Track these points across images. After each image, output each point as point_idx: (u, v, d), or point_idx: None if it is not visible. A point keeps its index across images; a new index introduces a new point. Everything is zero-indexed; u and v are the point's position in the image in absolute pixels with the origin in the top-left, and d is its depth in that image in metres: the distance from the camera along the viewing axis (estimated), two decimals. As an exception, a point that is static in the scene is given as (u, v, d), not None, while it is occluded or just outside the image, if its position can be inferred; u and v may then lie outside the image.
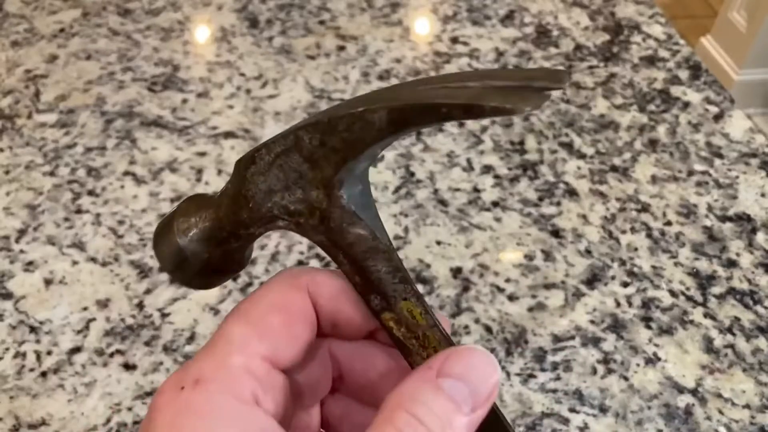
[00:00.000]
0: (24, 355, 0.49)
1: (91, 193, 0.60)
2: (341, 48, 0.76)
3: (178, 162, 0.63)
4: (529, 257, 0.56)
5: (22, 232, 0.57)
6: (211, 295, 0.53)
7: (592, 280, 0.54)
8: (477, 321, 0.51)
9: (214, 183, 0.61)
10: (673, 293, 0.54)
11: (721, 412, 0.47)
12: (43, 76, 0.71)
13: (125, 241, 0.56)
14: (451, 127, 0.67)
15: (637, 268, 0.55)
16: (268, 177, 0.25)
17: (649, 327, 0.52)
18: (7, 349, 0.49)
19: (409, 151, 0.64)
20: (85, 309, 0.52)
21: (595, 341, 0.51)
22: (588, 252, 0.56)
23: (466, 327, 0.51)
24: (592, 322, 0.52)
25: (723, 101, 0.71)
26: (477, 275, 0.54)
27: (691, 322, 0.52)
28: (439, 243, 0.57)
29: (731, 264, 0.56)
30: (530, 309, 0.52)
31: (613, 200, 0.61)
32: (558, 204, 0.60)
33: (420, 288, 0.53)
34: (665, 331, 0.51)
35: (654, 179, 0.63)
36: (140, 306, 0.52)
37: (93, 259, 0.55)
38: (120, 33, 0.77)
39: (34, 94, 0.70)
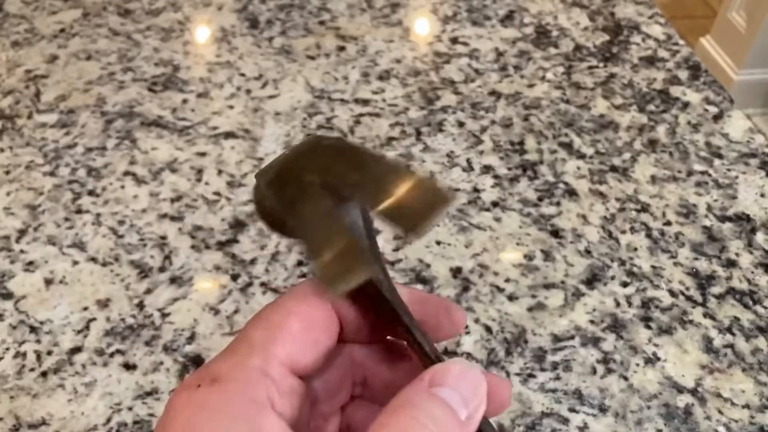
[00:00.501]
0: (24, 354, 0.49)
1: (91, 193, 0.60)
2: (341, 48, 0.76)
3: (178, 162, 0.63)
4: (529, 257, 0.56)
5: (22, 232, 0.57)
6: (212, 295, 0.53)
7: (592, 280, 0.54)
8: (477, 321, 0.51)
9: (215, 183, 0.61)
10: (672, 293, 0.54)
11: (720, 412, 0.47)
12: (43, 77, 0.72)
13: (125, 241, 0.56)
14: (451, 127, 0.67)
15: (636, 268, 0.55)
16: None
17: (648, 327, 0.52)
18: (8, 348, 0.49)
19: (409, 151, 0.64)
20: (85, 309, 0.52)
21: (595, 341, 0.51)
22: (588, 252, 0.56)
23: (466, 327, 0.51)
24: (592, 322, 0.52)
25: (722, 101, 0.71)
26: (477, 275, 0.54)
27: (691, 322, 0.52)
28: (438, 243, 0.57)
29: (731, 264, 0.56)
30: (530, 309, 0.52)
31: (613, 200, 0.61)
32: (558, 204, 0.60)
33: (420, 288, 0.53)
34: (665, 331, 0.51)
35: (653, 179, 0.63)
36: (140, 306, 0.52)
37: (93, 259, 0.55)
38: (120, 33, 0.77)
39: (35, 94, 0.70)
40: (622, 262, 0.56)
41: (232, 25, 0.79)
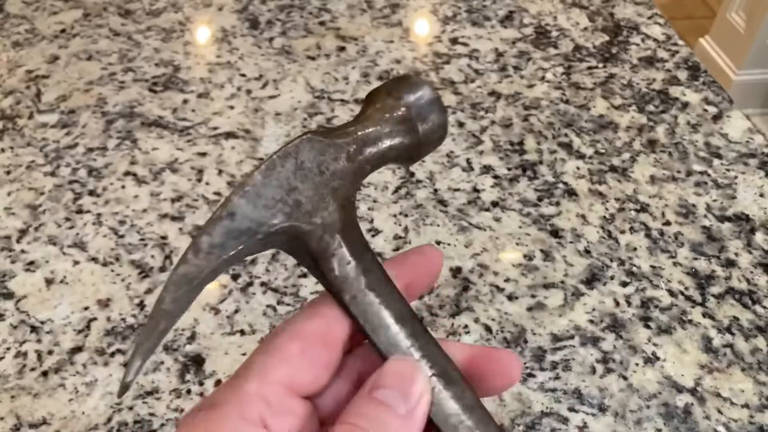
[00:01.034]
0: (25, 354, 0.49)
1: (92, 193, 0.60)
2: (341, 49, 0.76)
3: (178, 162, 0.63)
4: (529, 257, 0.56)
5: (23, 232, 0.57)
6: (212, 295, 0.53)
7: (592, 279, 0.55)
8: (476, 320, 0.52)
9: (215, 183, 0.61)
10: (672, 293, 0.54)
11: (719, 412, 0.47)
12: (44, 77, 0.72)
13: (126, 241, 0.56)
14: (451, 127, 0.67)
15: (636, 267, 0.56)
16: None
17: (648, 326, 0.52)
18: (8, 348, 0.49)
19: (409, 151, 0.65)
20: (86, 308, 0.52)
21: (595, 341, 0.51)
22: (587, 252, 0.57)
23: (466, 327, 0.51)
24: (592, 321, 0.52)
25: (722, 101, 0.71)
26: (476, 275, 0.55)
27: (690, 321, 0.52)
28: (438, 243, 0.57)
29: (730, 264, 0.56)
30: (529, 308, 0.53)
31: (612, 200, 0.61)
32: (557, 204, 0.60)
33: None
34: (664, 330, 0.52)
35: (653, 179, 0.63)
36: (141, 306, 0.52)
37: (94, 259, 0.55)
38: (121, 34, 0.77)
39: (36, 94, 0.70)
40: (622, 262, 0.56)
41: (232, 25, 0.79)
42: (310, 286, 0.53)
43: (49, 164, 0.62)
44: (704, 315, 0.53)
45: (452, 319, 0.52)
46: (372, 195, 0.60)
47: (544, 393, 0.48)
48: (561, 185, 0.62)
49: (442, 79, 0.73)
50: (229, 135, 0.66)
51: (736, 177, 0.63)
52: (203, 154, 0.64)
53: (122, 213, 0.58)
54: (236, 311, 0.52)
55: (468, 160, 0.64)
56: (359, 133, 0.27)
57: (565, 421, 0.46)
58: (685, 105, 0.70)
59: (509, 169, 0.63)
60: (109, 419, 0.46)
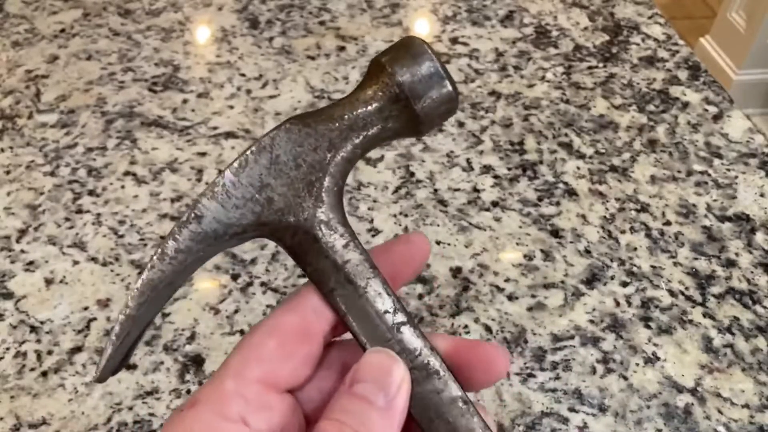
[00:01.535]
0: (25, 354, 0.49)
1: (91, 193, 0.60)
2: (341, 48, 0.76)
3: (178, 162, 0.63)
4: (529, 257, 0.56)
5: (22, 232, 0.57)
6: (212, 294, 0.53)
7: (592, 279, 0.55)
8: (476, 320, 0.52)
9: (215, 183, 0.61)
10: (672, 293, 0.54)
11: (720, 412, 0.47)
12: (43, 77, 0.72)
13: (126, 241, 0.56)
14: (450, 127, 0.67)
15: (636, 267, 0.55)
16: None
17: (648, 327, 0.52)
18: (8, 348, 0.49)
19: (409, 151, 0.65)
20: (85, 309, 0.52)
21: (595, 341, 0.51)
22: (587, 252, 0.57)
23: (466, 327, 0.51)
24: (592, 321, 0.52)
25: (722, 101, 0.71)
26: (476, 275, 0.55)
27: (690, 321, 0.52)
28: (438, 243, 0.57)
29: (730, 264, 0.56)
30: (530, 309, 0.53)
31: (613, 200, 0.61)
32: (557, 204, 0.60)
33: (420, 288, 0.53)
34: (664, 330, 0.51)
35: (653, 179, 0.63)
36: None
37: (94, 259, 0.55)
38: (120, 33, 0.77)
39: (35, 94, 0.70)
40: (622, 262, 0.56)
41: (232, 25, 0.79)
42: (310, 286, 0.53)
43: (49, 164, 0.62)
44: (704, 315, 0.53)
45: (452, 319, 0.52)
46: (372, 195, 0.60)
47: (545, 393, 0.48)
48: (561, 185, 0.62)
49: (442, 78, 0.72)
50: (229, 135, 0.66)
51: (736, 177, 0.63)
52: (203, 154, 0.64)
53: (122, 213, 0.58)
54: (236, 311, 0.52)
55: (468, 160, 0.64)
56: (345, 117, 0.26)
57: (565, 421, 0.46)
58: (686, 105, 0.70)
59: (509, 169, 0.63)
60: (109, 419, 0.46)
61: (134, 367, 0.48)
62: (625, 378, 0.49)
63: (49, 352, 0.49)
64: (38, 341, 0.50)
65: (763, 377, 0.49)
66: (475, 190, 0.61)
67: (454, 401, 0.26)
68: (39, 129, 0.66)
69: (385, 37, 0.78)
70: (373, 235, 0.57)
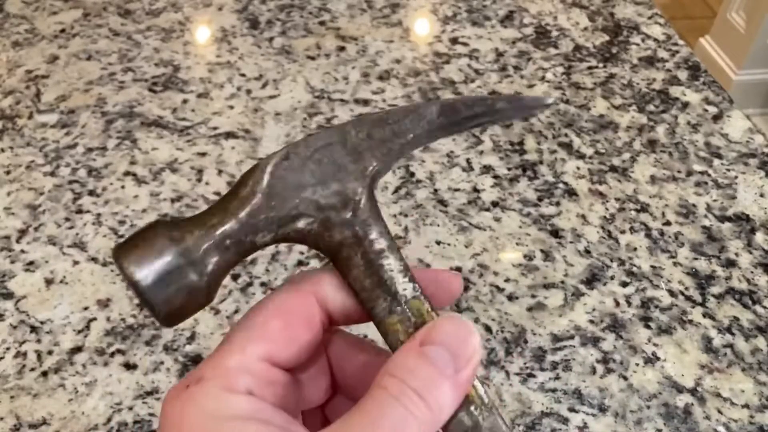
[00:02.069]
0: (25, 354, 0.49)
1: (91, 193, 0.60)
2: (341, 48, 0.76)
3: (178, 162, 0.63)
4: (529, 257, 0.56)
5: (23, 232, 0.57)
6: (212, 294, 0.53)
7: (592, 279, 0.55)
8: (477, 320, 0.52)
9: (215, 183, 0.61)
10: (672, 293, 0.54)
11: (720, 412, 0.47)
12: (43, 77, 0.72)
13: (126, 241, 0.56)
14: (450, 127, 0.67)
15: (636, 267, 0.55)
16: (302, 172, 0.25)
17: (648, 327, 0.52)
18: (8, 348, 0.49)
19: (409, 151, 0.65)
20: (85, 309, 0.52)
21: (595, 341, 0.51)
22: (587, 252, 0.57)
23: (466, 327, 0.51)
24: (592, 321, 0.52)
25: (722, 101, 0.71)
26: (477, 275, 0.55)
27: (690, 321, 0.52)
28: (438, 243, 0.57)
29: (730, 264, 0.56)
30: (530, 309, 0.53)
31: (613, 200, 0.61)
32: (557, 204, 0.60)
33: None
34: (664, 330, 0.52)
35: (653, 179, 0.63)
36: (141, 306, 0.52)
37: (94, 259, 0.55)
38: (121, 33, 0.77)
39: (35, 94, 0.70)
40: (622, 262, 0.56)
41: (232, 25, 0.79)
42: (310, 286, 0.53)
43: (49, 164, 0.62)
44: (704, 315, 0.53)
45: (452, 319, 0.52)
46: (372, 195, 0.60)
47: (545, 393, 0.48)
48: (561, 185, 0.62)
49: (443, 78, 0.73)
50: (229, 135, 0.66)
51: (736, 177, 0.63)
52: (203, 154, 0.64)
53: (122, 213, 0.58)
54: (236, 311, 0.52)
55: (468, 160, 0.64)
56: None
57: (565, 421, 0.46)
58: (686, 105, 0.70)
59: (509, 169, 0.63)
60: (109, 419, 0.46)
61: (134, 367, 0.48)
62: (625, 378, 0.49)
63: (49, 352, 0.49)
64: (38, 341, 0.50)
65: (762, 377, 0.49)
66: (475, 190, 0.61)
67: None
68: (39, 129, 0.66)
69: (385, 37, 0.78)
70: None
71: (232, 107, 0.69)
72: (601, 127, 0.68)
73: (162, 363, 0.49)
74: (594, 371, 0.49)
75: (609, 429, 0.46)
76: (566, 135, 0.67)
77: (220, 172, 0.62)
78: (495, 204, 0.60)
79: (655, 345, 0.51)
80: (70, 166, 0.62)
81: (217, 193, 0.60)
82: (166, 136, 0.65)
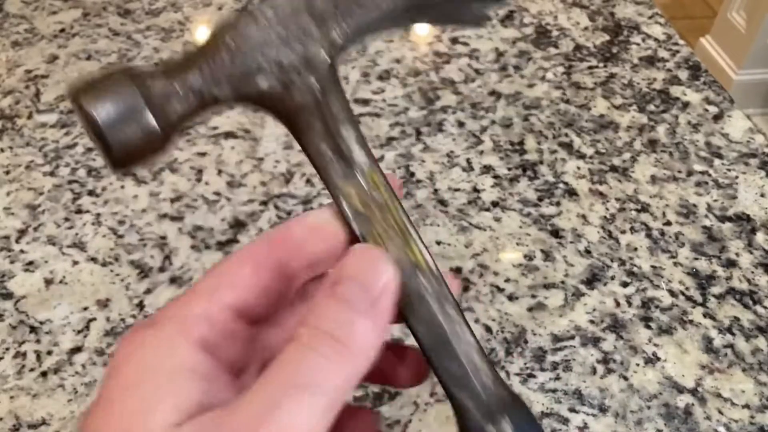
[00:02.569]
0: (24, 354, 0.49)
1: (91, 193, 0.60)
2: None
3: (178, 162, 0.63)
4: (529, 257, 0.56)
5: (22, 232, 0.57)
6: (212, 295, 0.53)
7: (592, 280, 0.54)
8: (477, 321, 0.51)
9: (215, 183, 0.61)
10: (672, 293, 0.54)
11: (720, 412, 0.47)
12: (43, 77, 0.72)
13: (125, 241, 0.56)
14: (450, 127, 0.67)
15: (636, 268, 0.55)
16: (267, 33, 0.25)
17: (648, 327, 0.52)
18: (8, 349, 0.49)
19: (409, 151, 0.64)
20: (85, 309, 0.52)
21: (595, 341, 0.51)
22: (587, 252, 0.56)
23: (466, 327, 0.51)
24: (592, 322, 0.52)
25: (722, 101, 0.71)
26: (477, 275, 0.54)
27: (691, 322, 0.52)
28: (438, 243, 0.57)
29: (731, 264, 0.56)
30: (530, 309, 0.52)
31: (613, 200, 0.61)
32: (557, 204, 0.60)
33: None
34: (665, 330, 0.51)
35: (653, 179, 0.63)
36: (140, 306, 0.52)
37: (93, 259, 0.55)
38: (120, 33, 0.77)
39: (35, 94, 0.70)
40: (622, 262, 0.56)
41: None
42: (309, 287, 0.53)
43: (49, 164, 0.62)
44: (705, 315, 0.52)
45: (452, 320, 0.51)
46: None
47: (545, 393, 0.48)
48: (561, 185, 0.62)
49: (443, 78, 0.72)
50: (229, 135, 0.66)
51: (736, 177, 0.63)
52: (203, 154, 0.64)
53: (121, 213, 0.58)
54: (236, 311, 0.52)
55: (468, 160, 0.64)
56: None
57: (565, 421, 0.46)
58: (686, 105, 0.70)
59: (509, 169, 0.63)
60: (109, 420, 0.46)
61: (134, 367, 0.48)
62: (626, 378, 0.49)
63: (49, 353, 0.49)
64: (38, 341, 0.50)
65: (763, 377, 0.49)
66: (475, 190, 0.61)
67: (442, 301, 0.25)
68: (39, 129, 0.66)
69: (384, 36, 0.78)
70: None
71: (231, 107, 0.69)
72: (602, 127, 0.68)
73: (161, 363, 0.49)
74: (594, 371, 0.49)
75: (609, 429, 0.46)
76: (566, 135, 0.67)
77: (219, 172, 0.62)
78: (495, 204, 0.60)
79: (656, 345, 0.51)
80: (70, 166, 0.62)
81: (217, 193, 0.60)
82: (165, 136, 0.65)
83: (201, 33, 0.78)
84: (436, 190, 0.61)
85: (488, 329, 0.51)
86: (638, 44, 0.78)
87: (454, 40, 0.78)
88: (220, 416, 0.20)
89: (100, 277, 0.54)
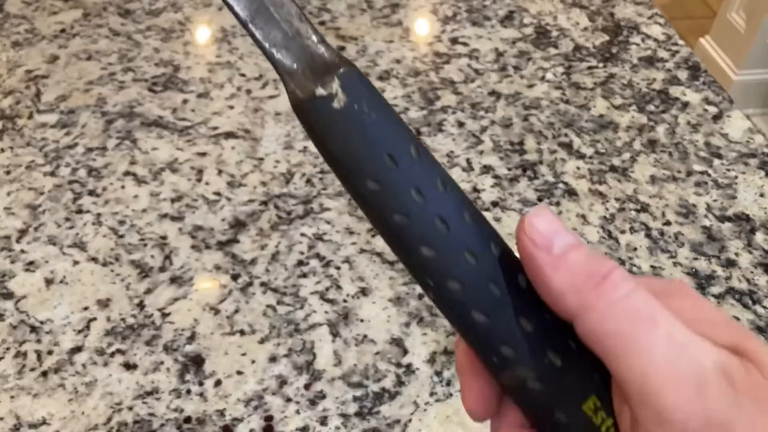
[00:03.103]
0: (25, 354, 0.49)
1: (91, 193, 0.60)
2: (341, 48, 0.76)
3: (178, 162, 0.63)
4: (529, 257, 0.56)
5: (23, 232, 0.57)
6: (212, 295, 0.53)
7: (592, 279, 0.54)
8: (477, 321, 0.51)
9: (215, 183, 0.61)
10: (672, 293, 0.54)
11: (719, 412, 0.47)
12: (43, 77, 0.72)
13: (126, 241, 0.56)
14: (450, 127, 0.67)
15: (636, 268, 0.55)
16: None
17: (648, 327, 0.52)
18: (8, 348, 0.49)
19: (409, 151, 0.65)
20: (85, 309, 0.52)
21: (595, 341, 0.51)
22: (587, 252, 0.57)
23: (466, 327, 0.51)
24: (592, 321, 0.52)
25: (722, 101, 0.71)
26: (477, 275, 0.54)
27: (690, 321, 0.52)
28: (438, 243, 0.57)
29: (730, 264, 0.56)
30: (530, 309, 0.52)
31: (613, 200, 0.61)
32: (557, 204, 0.60)
33: (420, 288, 0.53)
34: (664, 330, 0.51)
35: (653, 179, 0.63)
36: (141, 306, 0.52)
37: (94, 259, 0.55)
38: (121, 33, 0.77)
39: (35, 94, 0.70)
40: (622, 262, 0.56)
41: (232, 25, 0.79)
42: (309, 286, 0.53)
43: (49, 164, 0.62)
44: (704, 315, 0.52)
45: (452, 319, 0.51)
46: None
47: (544, 393, 0.48)
48: (561, 185, 0.62)
49: (442, 78, 0.73)
50: (229, 135, 0.66)
51: (736, 177, 0.63)
52: (203, 154, 0.64)
53: (122, 213, 0.58)
54: (236, 311, 0.52)
55: (468, 160, 0.64)
56: None
57: (565, 421, 0.46)
58: (686, 105, 0.70)
59: (509, 169, 0.63)
60: (109, 419, 0.46)
61: (134, 367, 0.48)
62: (625, 378, 0.49)
63: (49, 352, 0.49)
64: (38, 341, 0.50)
65: (762, 377, 0.49)
66: (475, 190, 0.61)
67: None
68: (39, 129, 0.66)
69: (385, 37, 0.78)
70: (373, 235, 0.57)
71: (232, 107, 0.69)
72: (601, 127, 0.68)
73: (162, 363, 0.49)
74: (594, 371, 0.49)
75: (609, 429, 0.46)
76: (566, 135, 0.67)
77: (220, 172, 0.62)
78: (495, 204, 0.60)
79: (655, 345, 0.51)
80: (70, 166, 0.62)
81: (218, 193, 0.60)
82: (166, 136, 0.65)
83: (201, 33, 0.78)
84: (436, 190, 0.61)
85: (488, 329, 0.51)
86: (638, 44, 0.78)
87: (454, 40, 0.78)
88: None
89: (101, 277, 0.54)
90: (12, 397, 0.47)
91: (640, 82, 0.73)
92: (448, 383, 0.48)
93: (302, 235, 0.57)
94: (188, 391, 0.47)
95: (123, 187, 0.61)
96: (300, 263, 0.55)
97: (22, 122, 0.67)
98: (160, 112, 0.68)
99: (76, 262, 0.55)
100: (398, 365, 0.49)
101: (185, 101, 0.69)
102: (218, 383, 0.47)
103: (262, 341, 0.50)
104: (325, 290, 0.53)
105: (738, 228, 0.59)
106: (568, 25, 0.80)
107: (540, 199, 0.60)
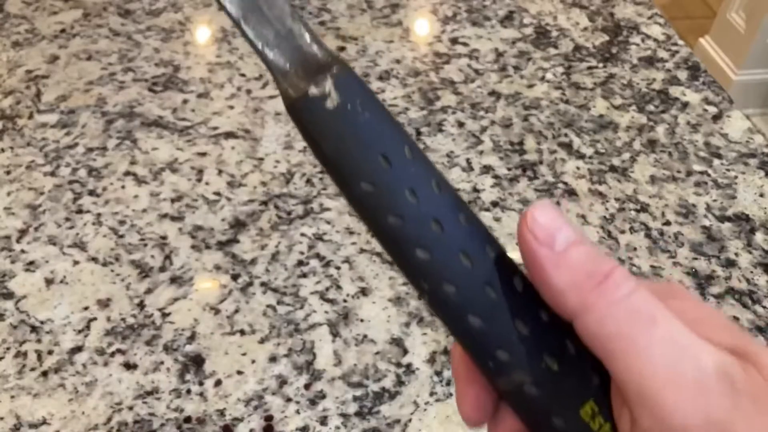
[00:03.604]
0: (25, 354, 0.49)
1: (92, 193, 0.60)
2: (341, 49, 0.76)
3: (178, 162, 0.63)
4: (529, 257, 0.56)
5: (23, 232, 0.57)
6: (212, 294, 0.53)
7: (592, 279, 0.55)
8: (476, 320, 0.52)
9: (215, 183, 0.61)
10: (671, 293, 0.54)
11: (719, 412, 0.47)
12: (44, 77, 0.72)
13: (126, 241, 0.56)
14: (450, 127, 0.67)
15: (636, 268, 0.55)
16: None
17: (648, 326, 0.52)
18: (8, 348, 0.49)
19: (409, 151, 0.65)
20: (85, 309, 0.52)
21: (595, 341, 0.51)
22: (587, 252, 0.57)
23: (466, 326, 0.51)
24: (592, 321, 0.52)
25: (722, 101, 0.71)
26: (476, 275, 0.55)
27: (690, 321, 0.52)
28: (438, 243, 0.57)
29: (730, 264, 0.56)
30: (530, 309, 0.52)
31: (612, 200, 0.61)
32: (557, 204, 0.60)
33: (420, 288, 0.53)
34: (664, 330, 0.51)
35: (653, 179, 0.63)
36: (141, 306, 0.52)
37: (94, 259, 0.55)
38: (121, 33, 0.77)
39: (35, 94, 0.70)
40: (622, 262, 0.56)
41: (232, 25, 0.79)
42: (310, 286, 0.53)
43: (49, 164, 0.62)
44: (704, 315, 0.53)
45: (452, 319, 0.52)
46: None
47: (544, 393, 0.48)
48: (561, 185, 0.62)
49: (442, 79, 0.73)
50: (229, 135, 0.66)
51: (736, 177, 0.63)
52: (203, 154, 0.64)
53: (122, 213, 0.58)
54: (236, 311, 0.52)
55: (468, 160, 0.64)
56: None
57: (565, 421, 0.46)
58: (685, 105, 0.70)
59: (509, 169, 0.63)
60: (109, 419, 0.46)
61: (134, 367, 0.48)
62: (625, 378, 0.49)
63: (50, 352, 0.49)
64: (38, 341, 0.50)
65: (762, 377, 0.49)
66: (475, 190, 0.61)
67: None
68: (39, 129, 0.66)
69: (385, 37, 0.78)
70: (373, 235, 0.57)
71: (232, 107, 0.69)
72: (601, 127, 0.68)
73: (162, 363, 0.49)
74: (594, 371, 0.49)
75: (609, 429, 0.46)
76: (566, 135, 0.67)
77: (220, 172, 0.62)
78: (495, 204, 0.60)
79: (655, 345, 0.51)
80: (70, 166, 0.62)
81: (218, 193, 0.60)
82: (166, 136, 0.65)
83: (201, 33, 0.78)
84: (435, 190, 0.61)
85: (488, 329, 0.51)
86: (638, 44, 0.78)
87: (454, 41, 0.78)
88: None
89: (101, 276, 0.54)
90: (12, 396, 0.47)
91: (639, 82, 0.73)
92: (448, 383, 0.48)
93: (302, 235, 0.57)
94: (188, 391, 0.47)
95: (123, 187, 0.61)
96: (300, 263, 0.55)
97: (22, 122, 0.67)
98: (160, 112, 0.68)
99: (76, 262, 0.55)
100: (398, 365, 0.49)
101: (185, 101, 0.69)
102: (218, 383, 0.48)
103: (262, 341, 0.50)
104: (325, 290, 0.53)
105: (738, 228, 0.59)
106: (568, 25, 0.80)
107: (540, 199, 0.61)
